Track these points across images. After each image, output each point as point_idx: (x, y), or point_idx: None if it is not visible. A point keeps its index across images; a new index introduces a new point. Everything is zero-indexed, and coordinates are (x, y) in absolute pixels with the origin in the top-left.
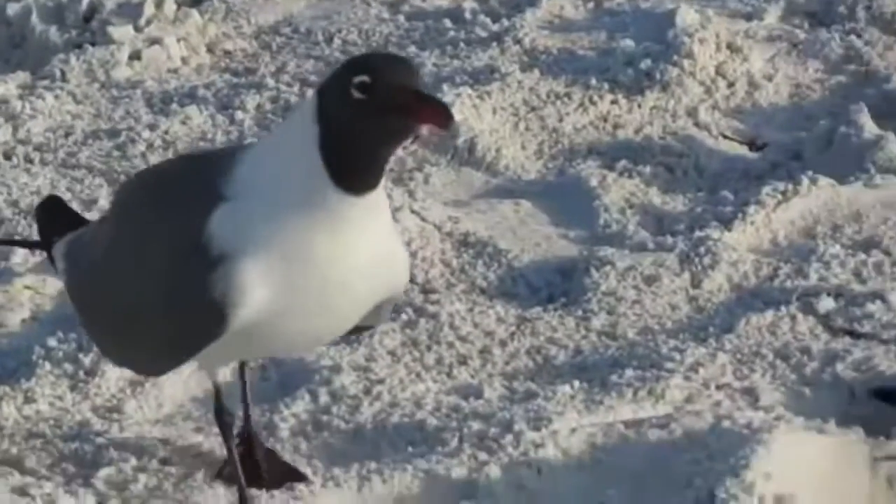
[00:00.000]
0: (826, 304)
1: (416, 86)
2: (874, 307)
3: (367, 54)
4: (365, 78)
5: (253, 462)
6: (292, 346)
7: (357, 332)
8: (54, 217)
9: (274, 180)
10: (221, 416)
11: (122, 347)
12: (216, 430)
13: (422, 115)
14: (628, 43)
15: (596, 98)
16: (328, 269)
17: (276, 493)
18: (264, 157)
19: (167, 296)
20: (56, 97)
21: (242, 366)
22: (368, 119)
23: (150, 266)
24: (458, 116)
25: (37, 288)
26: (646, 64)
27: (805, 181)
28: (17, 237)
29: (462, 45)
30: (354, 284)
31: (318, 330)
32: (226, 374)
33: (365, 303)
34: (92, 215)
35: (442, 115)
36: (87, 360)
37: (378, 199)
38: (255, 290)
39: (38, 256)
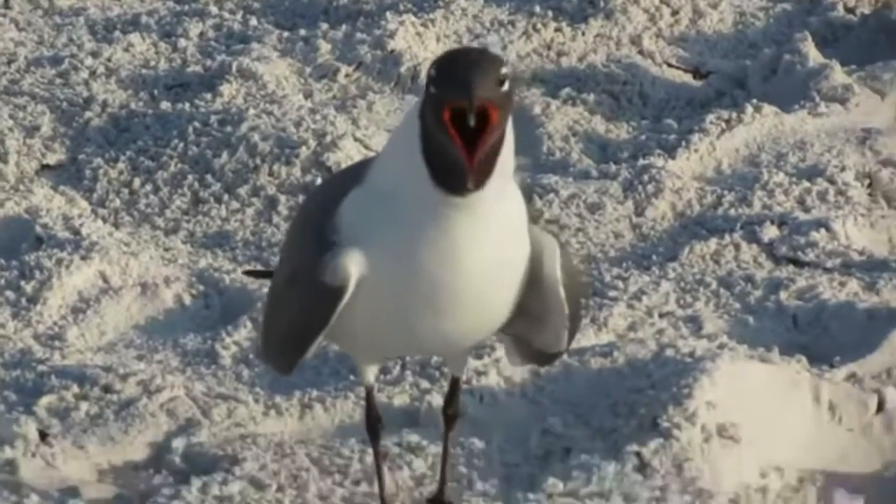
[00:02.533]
0: (770, 232)
1: (471, 94)
2: (818, 235)
3: (457, 48)
4: (433, 71)
5: None
6: (417, 343)
7: (547, 360)
8: None
9: (392, 174)
10: (371, 421)
11: (266, 337)
12: (157, 357)
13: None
14: None
15: (540, 26)
16: (421, 266)
17: (216, 420)
18: (389, 149)
19: (292, 276)
20: None
21: (447, 431)
22: (435, 115)
23: (290, 253)
24: (401, 44)
25: None
26: None
27: (749, 109)
28: None
29: None
30: (454, 285)
31: (435, 330)
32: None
33: (478, 306)
34: (32, 142)
35: (465, 159)
36: (28, 288)
37: (487, 201)
38: (352, 278)
39: None
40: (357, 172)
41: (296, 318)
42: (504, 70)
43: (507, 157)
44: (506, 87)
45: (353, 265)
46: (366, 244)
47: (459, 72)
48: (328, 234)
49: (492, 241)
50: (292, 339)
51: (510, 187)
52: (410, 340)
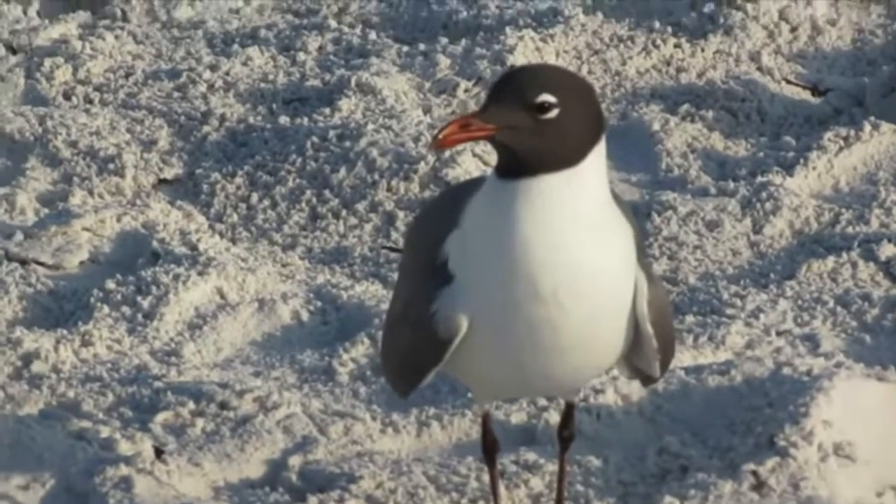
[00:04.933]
0: (887, 250)
1: (485, 99)
2: None
3: (524, 65)
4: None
5: None
6: (528, 380)
7: (647, 381)
8: None
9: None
10: (487, 445)
11: (384, 361)
12: (274, 373)
13: None
14: None
15: (659, 42)
16: (499, 253)
17: (333, 437)
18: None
19: (405, 311)
20: (116, 37)
21: (563, 452)
22: None
23: (403, 280)
24: (521, 59)
25: (96, 230)
26: (709, 7)
27: (867, 127)
28: (75, 178)
29: None
30: (528, 268)
31: (543, 343)
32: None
33: (556, 297)
34: (150, 156)
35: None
36: (145, 304)
37: (547, 189)
38: (461, 329)
39: (97, 198)
40: (464, 196)
41: (407, 355)
42: (542, 98)
43: (566, 148)
44: (540, 114)
45: (461, 315)
46: (468, 284)
47: (492, 86)
48: (436, 271)
49: (559, 228)
50: (405, 372)
51: (598, 193)
52: (521, 378)
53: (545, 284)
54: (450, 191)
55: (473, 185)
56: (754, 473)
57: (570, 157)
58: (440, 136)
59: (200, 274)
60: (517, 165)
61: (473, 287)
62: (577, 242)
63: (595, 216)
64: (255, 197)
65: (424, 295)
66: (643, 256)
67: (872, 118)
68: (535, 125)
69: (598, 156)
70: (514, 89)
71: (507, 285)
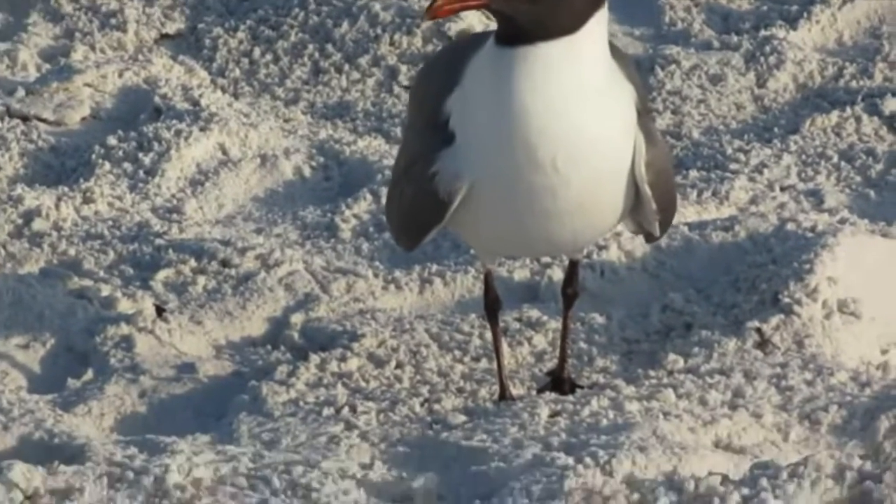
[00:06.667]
0: (891, 104)
1: None
2: None
3: None
4: None
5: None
6: (534, 236)
7: (649, 238)
8: None
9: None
10: (490, 303)
11: (388, 215)
12: (276, 230)
13: None
14: None
15: None
16: (498, 121)
17: (335, 295)
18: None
19: (408, 167)
20: None
21: (566, 310)
22: None
23: (407, 137)
24: None
25: (97, 85)
26: None
27: None
28: (76, 33)
29: None
30: (526, 137)
31: (543, 208)
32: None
33: (554, 164)
34: (151, 11)
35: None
36: (146, 160)
37: (538, 53)
38: (460, 191)
39: (99, 53)
40: (467, 54)
41: (409, 213)
42: None
43: (564, 15)
44: None
45: (462, 178)
46: (468, 146)
47: None
48: (438, 129)
49: (556, 97)
50: (408, 228)
51: (597, 60)
52: (522, 239)
53: (543, 152)
54: (454, 46)
55: (477, 41)
56: (758, 331)
57: (568, 24)
58: (434, 6)
59: (202, 129)
60: (515, 32)
61: (474, 150)
62: (575, 110)
63: (594, 83)
64: (257, 52)
65: (426, 154)
66: (646, 114)
67: None
68: None
69: (598, 22)
70: None
71: (505, 153)
